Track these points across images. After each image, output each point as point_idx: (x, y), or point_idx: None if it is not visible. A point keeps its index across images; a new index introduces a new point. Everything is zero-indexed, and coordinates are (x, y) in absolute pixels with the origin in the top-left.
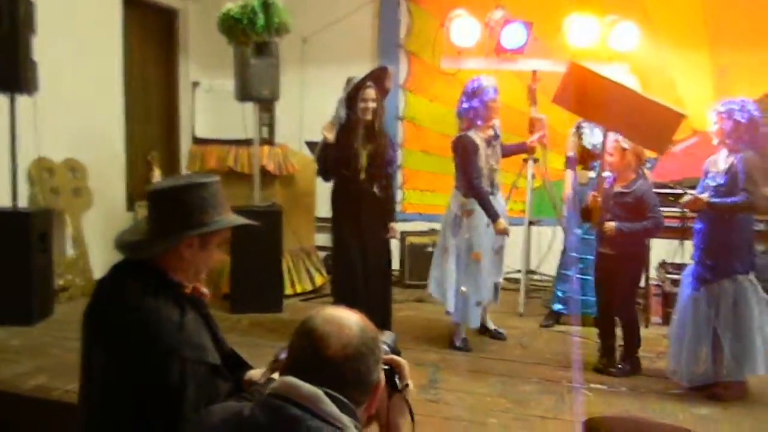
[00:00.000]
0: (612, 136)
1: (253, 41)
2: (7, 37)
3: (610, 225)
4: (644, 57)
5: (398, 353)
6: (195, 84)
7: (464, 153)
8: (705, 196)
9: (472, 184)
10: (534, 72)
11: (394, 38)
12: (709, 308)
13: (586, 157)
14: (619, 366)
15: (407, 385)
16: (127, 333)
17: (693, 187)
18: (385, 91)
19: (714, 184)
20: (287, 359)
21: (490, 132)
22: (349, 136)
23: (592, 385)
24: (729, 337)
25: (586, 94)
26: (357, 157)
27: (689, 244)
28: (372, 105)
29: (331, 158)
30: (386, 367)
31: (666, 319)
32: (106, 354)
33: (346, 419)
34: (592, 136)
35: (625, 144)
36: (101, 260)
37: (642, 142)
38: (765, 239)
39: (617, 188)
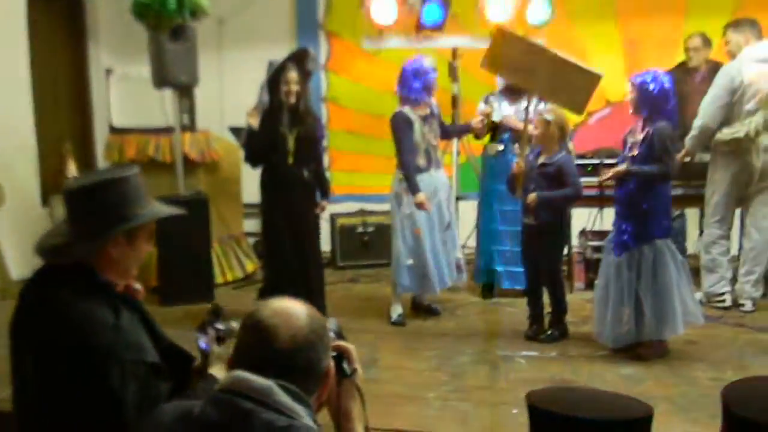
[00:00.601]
0: (533, 106)
1: (167, 25)
2: None
3: (532, 195)
4: (558, 30)
5: (344, 339)
6: (108, 71)
7: (397, 129)
8: (623, 166)
9: (400, 159)
10: (454, 49)
11: (313, 18)
12: (631, 272)
13: (492, 130)
14: (548, 333)
15: (356, 369)
16: (60, 339)
17: (610, 157)
18: (307, 73)
19: (631, 154)
20: (235, 353)
21: (427, 110)
22: (273, 121)
23: (524, 353)
24: (650, 300)
25: (512, 59)
26: (284, 141)
27: (608, 212)
28: (295, 87)
29: (258, 144)
30: (334, 353)
31: (589, 285)
32: (41, 363)
33: (299, 408)
34: (501, 109)
35: (549, 116)
36: (17, 259)
37: (563, 103)
38: (678, 204)
39: (541, 160)
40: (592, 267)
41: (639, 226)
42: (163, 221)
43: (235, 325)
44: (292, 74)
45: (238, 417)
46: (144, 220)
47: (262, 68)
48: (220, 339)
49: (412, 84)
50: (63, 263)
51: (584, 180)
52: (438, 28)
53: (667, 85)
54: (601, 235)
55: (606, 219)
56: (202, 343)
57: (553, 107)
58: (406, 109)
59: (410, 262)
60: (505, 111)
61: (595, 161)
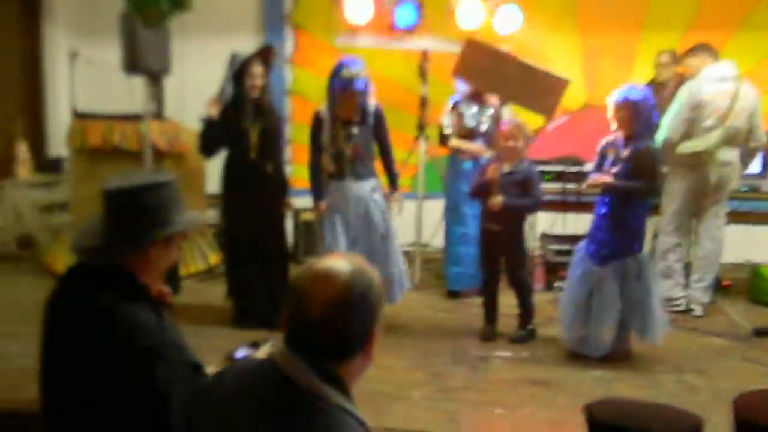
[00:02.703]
0: (507, 115)
1: (161, 18)
2: None
3: (497, 199)
4: (524, 39)
5: None
6: (73, 54)
7: (311, 128)
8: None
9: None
10: (424, 51)
11: (279, 10)
12: (615, 283)
13: (466, 136)
14: (519, 334)
15: None
16: (106, 342)
17: (574, 164)
18: (269, 68)
19: (615, 169)
20: (283, 315)
21: (355, 116)
22: (237, 114)
23: (499, 354)
24: (633, 310)
25: (483, 67)
26: (246, 135)
27: (569, 217)
28: (259, 82)
29: (215, 134)
30: None
31: (548, 286)
32: (82, 365)
33: (330, 392)
34: (473, 116)
35: (519, 125)
36: None
37: (534, 107)
38: None
39: (506, 168)
40: (552, 269)
41: (625, 240)
42: None
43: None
44: (258, 68)
45: (291, 403)
46: (184, 226)
47: (225, 59)
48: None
49: (332, 83)
50: (98, 264)
51: (547, 186)
52: (411, 30)
53: (649, 101)
54: (561, 239)
55: (567, 223)
56: (239, 352)
57: (516, 116)
58: (324, 109)
59: None
60: (476, 115)
61: (559, 168)
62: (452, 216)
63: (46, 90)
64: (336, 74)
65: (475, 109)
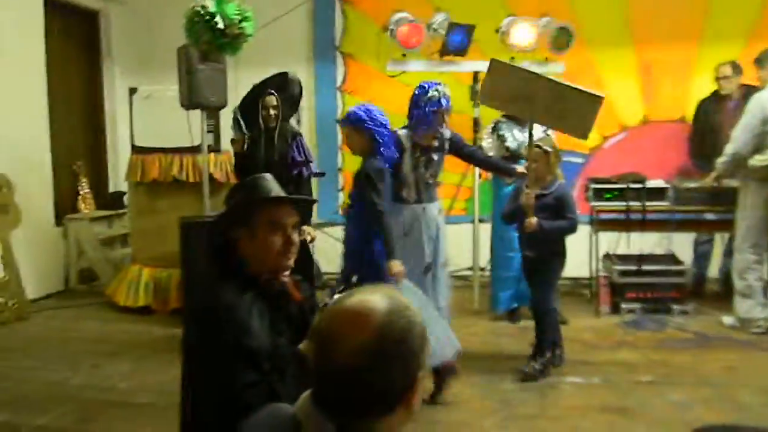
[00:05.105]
0: (536, 134)
1: (215, 43)
2: None
3: (532, 220)
4: (575, 56)
5: None
6: (132, 90)
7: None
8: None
9: None
10: (476, 73)
11: (330, 40)
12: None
13: (509, 159)
14: (526, 370)
15: None
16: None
17: (636, 182)
18: (293, 97)
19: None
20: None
21: (435, 143)
22: (253, 145)
23: (568, 379)
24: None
25: (509, 89)
26: (261, 164)
27: (634, 236)
28: (273, 112)
29: (251, 165)
30: None
31: (615, 309)
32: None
33: None
34: (514, 137)
35: (546, 147)
36: (33, 280)
37: (568, 129)
38: (707, 228)
39: (536, 190)
40: (618, 291)
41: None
42: (188, 243)
43: None
44: (272, 98)
45: None
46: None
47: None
48: None
49: (416, 109)
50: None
51: (609, 204)
52: (461, 53)
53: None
54: (626, 259)
55: (632, 242)
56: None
57: (545, 137)
58: (404, 132)
59: None
60: (519, 138)
61: (621, 186)
62: (496, 239)
63: (107, 127)
64: (421, 97)
65: (516, 130)
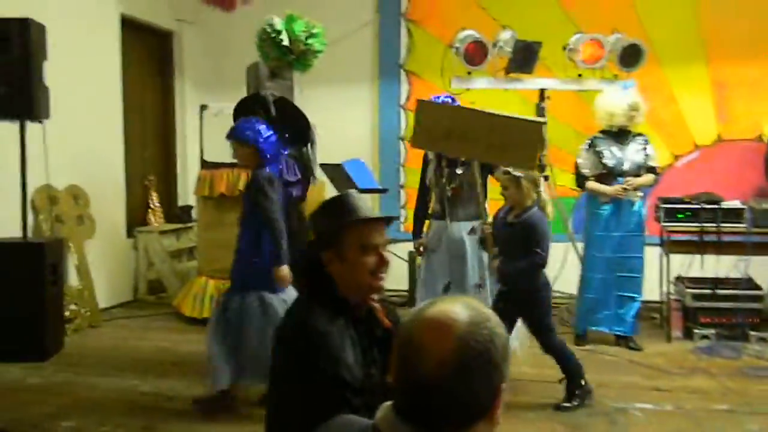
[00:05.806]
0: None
1: (283, 60)
2: (19, 62)
3: (494, 263)
4: (646, 73)
5: None
6: (203, 107)
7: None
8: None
9: None
10: (542, 90)
11: (395, 58)
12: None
13: (607, 176)
14: (566, 406)
15: None
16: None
17: (710, 202)
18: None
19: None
20: (392, 375)
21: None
22: None
23: (638, 405)
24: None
25: (441, 129)
26: None
27: (708, 258)
28: None
29: None
30: None
31: (687, 334)
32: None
33: None
34: (612, 154)
35: (517, 172)
36: (105, 289)
37: (511, 162)
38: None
39: (509, 218)
40: (690, 315)
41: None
42: None
43: None
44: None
45: None
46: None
47: (343, 108)
48: None
49: None
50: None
51: (682, 225)
52: (528, 69)
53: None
54: (699, 282)
55: (706, 264)
56: None
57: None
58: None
59: None
60: (618, 153)
61: (695, 206)
62: (583, 259)
63: (177, 143)
64: None
65: (615, 147)
